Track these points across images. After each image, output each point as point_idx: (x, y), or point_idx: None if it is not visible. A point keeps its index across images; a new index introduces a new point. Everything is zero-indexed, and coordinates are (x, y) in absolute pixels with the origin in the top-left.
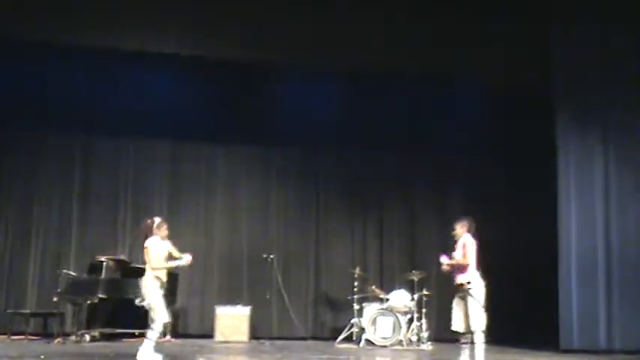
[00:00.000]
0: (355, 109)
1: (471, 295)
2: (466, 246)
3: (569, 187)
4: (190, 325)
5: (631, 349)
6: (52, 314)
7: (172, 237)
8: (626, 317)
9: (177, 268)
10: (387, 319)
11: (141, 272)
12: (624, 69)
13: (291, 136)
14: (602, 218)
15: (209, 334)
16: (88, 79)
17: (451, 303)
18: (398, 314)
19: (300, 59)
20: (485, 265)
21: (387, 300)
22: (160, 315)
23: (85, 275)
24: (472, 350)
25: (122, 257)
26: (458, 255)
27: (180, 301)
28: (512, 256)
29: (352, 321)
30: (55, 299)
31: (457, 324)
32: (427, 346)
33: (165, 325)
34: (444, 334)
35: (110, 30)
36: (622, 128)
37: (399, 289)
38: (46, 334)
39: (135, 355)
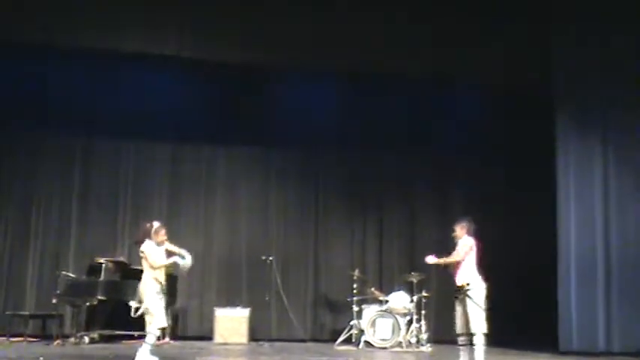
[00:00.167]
0: (355, 109)
1: (469, 297)
2: (458, 246)
3: (568, 188)
4: (189, 326)
5: (630, 351)
6: (51, 316)
7: (172, 238)
8: (626, 318)
9: (177, 268)
10: (386, 320)
11: (140, 274)
12: (624, 69)
13: (291, 136)
14: (601, 218)
15: (208, 336)
16: (88, 80)
17: (450, 305)
18: (397, 316)
19: (300, 59)
20: (485, 265)
21: (387, 302)
22: (158, 319)
23: (84, 277)
24: (471, 352)
25: (121, 259)
26: (455, 257)
27: (179, 303)
28: (512, 256)
29: (351, 323)
30: (54, 301)
31: (460, 326)
32: (426, 348)
33: (163, 329)
34: (443, 336)
35: (110, 31)
36: (622, 128)
37: (399, 290)
38: (45, 336)
39: (133, 357)
